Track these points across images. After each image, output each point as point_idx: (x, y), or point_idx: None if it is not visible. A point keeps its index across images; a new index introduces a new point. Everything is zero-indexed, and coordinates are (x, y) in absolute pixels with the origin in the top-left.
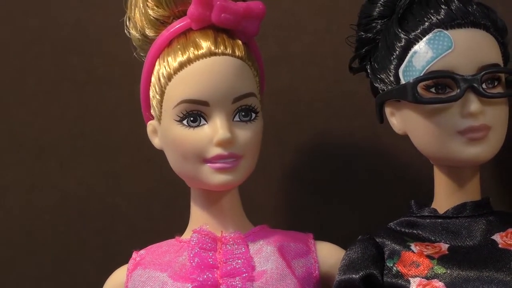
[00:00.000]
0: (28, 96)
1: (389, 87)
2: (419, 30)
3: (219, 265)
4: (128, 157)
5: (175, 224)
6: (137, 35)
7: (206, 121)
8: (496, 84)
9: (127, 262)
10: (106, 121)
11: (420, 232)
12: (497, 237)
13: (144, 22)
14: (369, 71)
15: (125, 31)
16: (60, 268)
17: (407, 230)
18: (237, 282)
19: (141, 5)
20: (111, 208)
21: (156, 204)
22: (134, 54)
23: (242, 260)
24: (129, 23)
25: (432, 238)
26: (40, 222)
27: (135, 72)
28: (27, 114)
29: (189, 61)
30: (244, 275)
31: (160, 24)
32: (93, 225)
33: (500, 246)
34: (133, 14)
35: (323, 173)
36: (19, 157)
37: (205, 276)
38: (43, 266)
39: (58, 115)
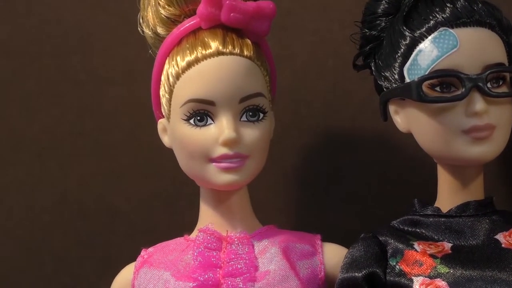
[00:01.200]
0: (28, 96)
1: (394, 85)
2: (424, 29)
3: (222, 264)
4: (128, 157)
5: (175, 224)
6: (149, 33)
7: (213, 121)
8: (501, 83)
9: (127, 262)
10: (106, 121)
11: (423, 231)
12: (500, 237)
13: (156, 21)
14: (373, 68)
15: (139, 29)
16: (60, 268)
17: (410, 229)
18: (238, 282)
19: (153, 3)
20: (111, 208)
21: (156, 204)
22: (150, 51)
23: (245, 260)
24: (142, 22)
25: (435, 237)
26: (40, 222)
27: (135, 72)
28: (27, 114)
29: (197, 61)
30: (246, 275)
31: (171, 22)
32: (93, 225)
33: (503, 245)
34: (146, 13)
35: (323, 173)
36: (19, 157)
37: (206, 276)
38: (43, 266)
39: (58, 115)
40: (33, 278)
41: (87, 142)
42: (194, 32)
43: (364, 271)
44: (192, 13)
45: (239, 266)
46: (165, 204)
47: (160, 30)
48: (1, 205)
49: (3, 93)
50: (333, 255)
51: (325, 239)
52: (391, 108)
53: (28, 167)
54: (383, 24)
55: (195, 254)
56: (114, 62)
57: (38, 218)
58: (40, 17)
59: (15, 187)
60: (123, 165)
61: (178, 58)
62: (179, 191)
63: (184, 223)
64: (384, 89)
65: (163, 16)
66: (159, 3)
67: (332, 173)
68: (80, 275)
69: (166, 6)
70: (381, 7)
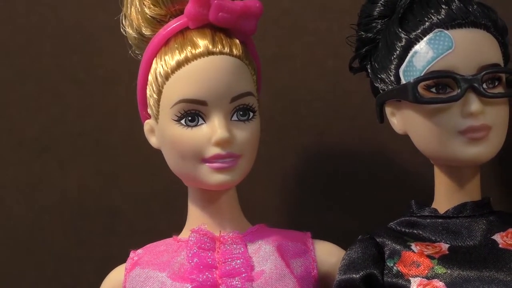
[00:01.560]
0: (28, 96)
1: (390, 87)
2: (419, 30)
3: (218, 265)
4: (128, 157)
5: (174, 224)
6: (133, 33)
7: (204, 121)
8: (496, 84)
9: None
10: (106, 121)
11: (421, 232)
12: (497, 237)
13: (141, 21)
14: (369, 71)
15: (121, 29)
16: (60, 268)
17: (407, 230)
18: (237, 282)
19: (138, 3)
20: (111, 208)
21: (155, 204)
22: (130, 52)
23: (241, 260)
24: (125, 21)
25: (433, 238)
26: (40, 222)
27: (135, 72)
28: (27, 114)
29: (187, 60)
30: (243, 275)
31: (156, 22)
32: (93, 225)
33: (500, 246)
34: (129, 13)
35: (323, 173)
36: (19, 156)
37: (204, 277)
38: (43, 266)
39: (58, 115)
40: (33, 278)
41: (87, 142)
42: (182, 32)
43: (362, 273)
44: (178, 13)
45: (236, 266)
46: (165, 204)
47: (145, 30)
48: (1, 205)
49: (3, 93)
50: (325, 253)
51: (323, 239)
52: (388, 110)
53: (28, 167)
54: (378, 26)
55: (190, 255)
56: (114, 62)
57: (38, 218)
58: (40, 17)
59: (15, 187)
60: (123, 165)
61: (167, 58)
62: (178, 191)
63: (183, 223)
64: (380, 91)
65: (148, 16)
66: (143, 3)
67: (331, 173)
68: (80, 275)
69: (152, 6)
70: (376, 9)
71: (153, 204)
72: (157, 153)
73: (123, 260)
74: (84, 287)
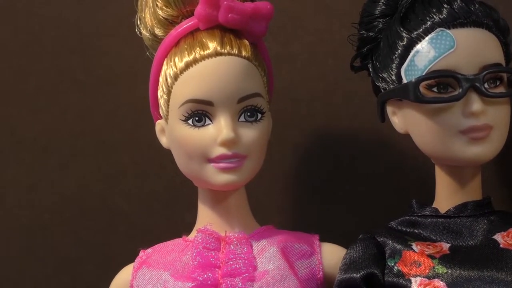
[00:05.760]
0: (28, 96)
1: (391, 86)
2: (421, 29)
3: (221, 264)
4: (129, 157)
5: (175, 224)
6: (147, 34)
7: (211, 121)
8: (498, 83)
9: (127, 262)
10: (106, 121)
11: (421, 232)
12: (498, 237)
13: (154, 22)
14: (370, 70)
15: (136, 30)
16: (60, 268)
17: (408, 230)
18: (237, 282)
19: (151, 4)
20: (111, 208)
21: (156, 204)
22: (147, 53)
23: (244, 260)
24: (140, 23)
25: (433, 238)
26: (40, 222)
27: (136, 72)
28: (27, 114)
29: (195, 61)
30: (244, 275)
31: (169, 23)
32: (93, 225)
33: (501, 246)
34: (143, 14)
35: (324, 173)
36: (19, 156)
37: (205, 276)
38: (43, 266)
39: (58, 115)
40: (33, 278)
41: (87, 142)
42: (192, 33)
43: (362, 272)
44: (190, 14)
45: (238, 266)
46: (165, 204)
47: (157, 31)
48: (1, 205)
49: (3, 93)
50: (331, 255)
51: (324, 239)
52: (389, 109)
53: (28, 167)
54: (380, 25)
55: (194, 254)
56: (114, 62)
57: (38, 218)
58: (40, 17)
59: (15, 187)
60: (123, 165)
61: (176, 59)
62: (179, 191)
63: (184, 223)
64: (382, 90)
65: (161, 17)
66: (156, 5)
67: (332, 173)
68: (80, 275)
69: (164, 7)
70: (378, 8)
71: (153, 204)
72: (157, 153)
73: (123, 260)
74: (84, 287)
